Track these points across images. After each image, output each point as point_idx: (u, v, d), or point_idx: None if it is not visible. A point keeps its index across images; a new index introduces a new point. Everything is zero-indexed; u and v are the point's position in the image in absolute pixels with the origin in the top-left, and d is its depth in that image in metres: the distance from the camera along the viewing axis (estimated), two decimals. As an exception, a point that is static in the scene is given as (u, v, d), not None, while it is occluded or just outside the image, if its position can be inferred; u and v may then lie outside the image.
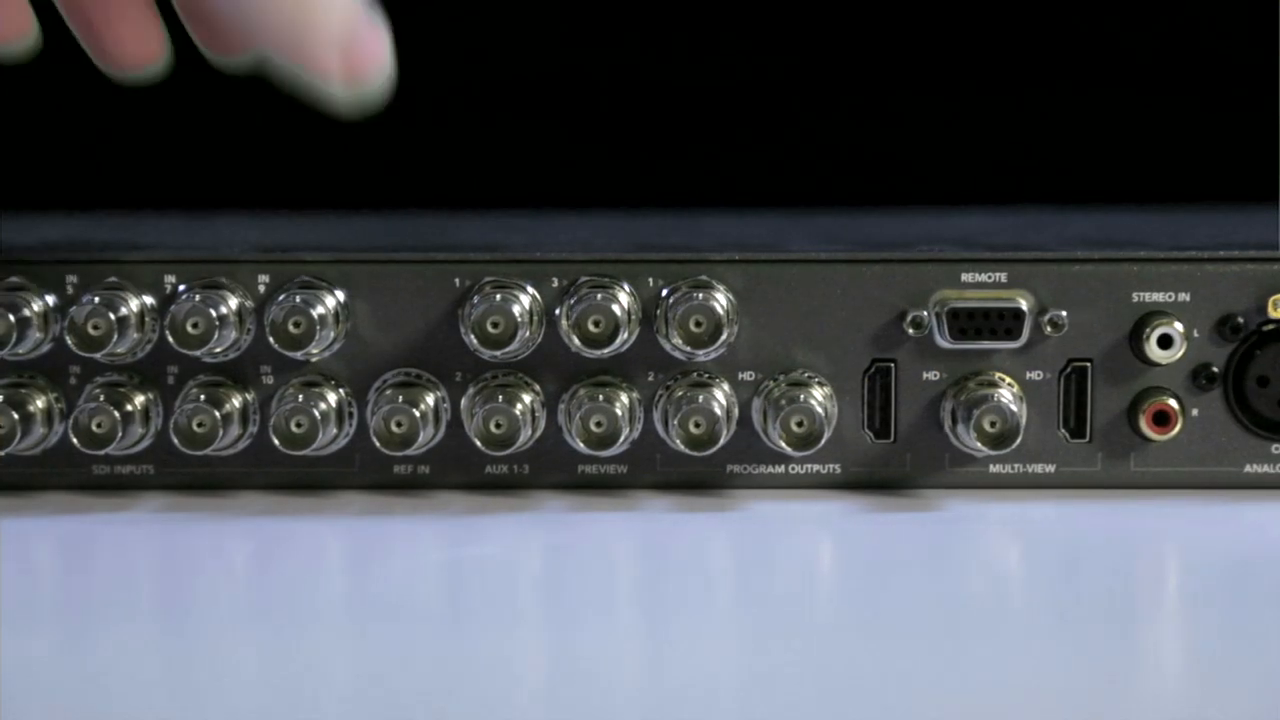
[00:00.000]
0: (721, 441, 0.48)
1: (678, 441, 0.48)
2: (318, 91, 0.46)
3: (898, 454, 0.50)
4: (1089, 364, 0.49)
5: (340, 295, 0.49)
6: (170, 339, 0.48)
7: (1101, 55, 0.85)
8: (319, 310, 0.48)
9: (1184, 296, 0.49)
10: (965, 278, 0.49)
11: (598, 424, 0.48)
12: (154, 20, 0.50)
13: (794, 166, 0.86)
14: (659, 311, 0.48)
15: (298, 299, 0.48)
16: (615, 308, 0.48)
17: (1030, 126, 0.85)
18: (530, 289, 0.48)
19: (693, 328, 0.48)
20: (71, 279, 0.49)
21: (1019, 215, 0.73)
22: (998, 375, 0.49)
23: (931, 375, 0.49)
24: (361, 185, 0.81)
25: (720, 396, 0.48)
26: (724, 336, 0.48)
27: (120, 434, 0.48)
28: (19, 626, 0.39)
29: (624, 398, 0.48)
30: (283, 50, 0.46)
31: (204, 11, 0.49)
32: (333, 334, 0.48)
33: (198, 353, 0.48)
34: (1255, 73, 0.83)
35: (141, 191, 0.78)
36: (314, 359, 0.49)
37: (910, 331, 0.49)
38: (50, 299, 0.49)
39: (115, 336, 0.47)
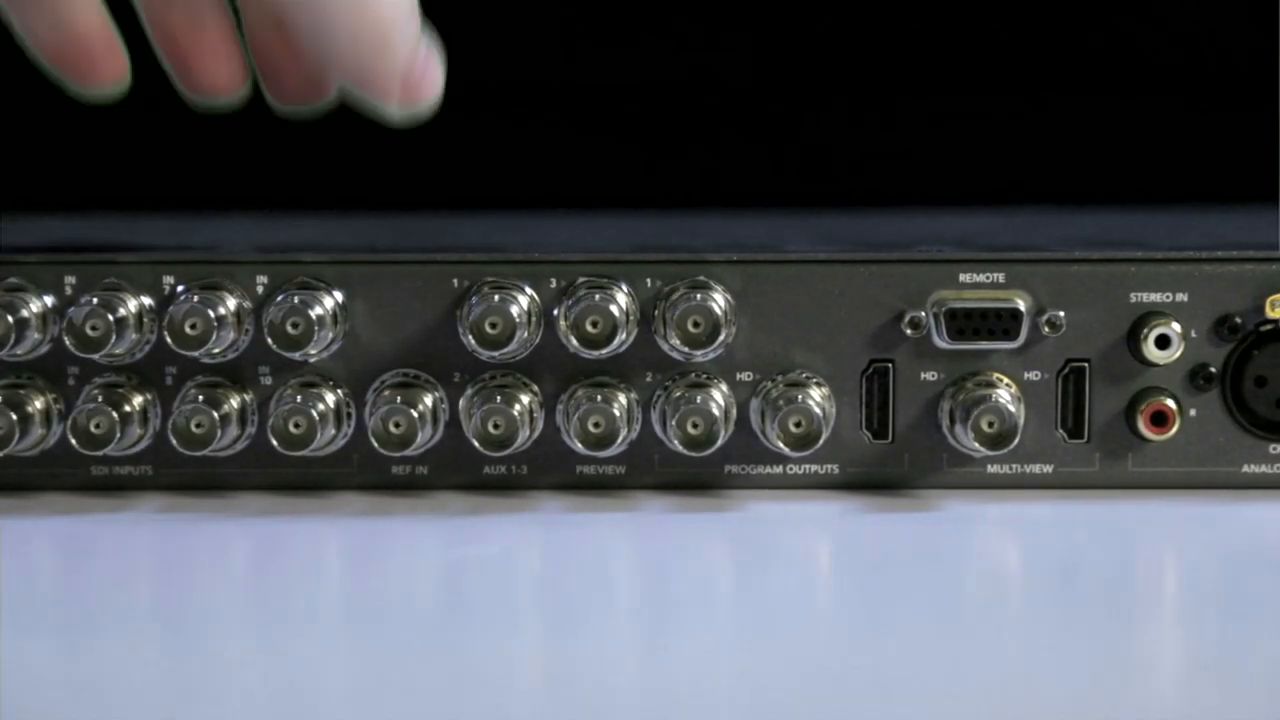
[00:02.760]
0: (720, 442, 0.48)
1: (676, 442, 0.48)
2: (375, 109, 0.49)
3: (896, 454, 0.50)
4: (1087, 364, 0.49)
5: (338, 296, 0.49)
6: (168, 340, 0.48)
7: (1101, 55, 0.85)
8: (317, 311, 0.48)
9: (1182, 297, 0.49)
10: (963, 278, 0.49)
11: (596, 424, 0.48)
12: (238, 52, 0.52)
13: (792, 167, 0.86)
14: (657, 312, 0.48)
15: (296, 300, 0.48)
16: (613, 308, 0.48)
17: (1028, 127, 0.85)
18: (528, 289, 0.48)
19: (691, 328, 0.48)
20: (70, 280, 0.49)
21: (1017, 215, 0.73)
22: (996, 376, 0.49)
23: (929, 376, 0.49)
24: (360, 186, 0.82)
25: (718, 397, 0.48)
26: (722, 337, 0.48)
27: (119, 435, 0.48)
28: (18, 627, 0.39)
29: (622, 398, 0.48)
30: (352, 83, 0.48)
31: (283, 61, 0.51)
32: (331, 335, 0.48)
33: (196, 353, 0.48)
34: (1255, 73, 0.83)
35: (140, 192, 0.78)
36: (312, 360, 0.49)
37: (908, 332, 0.49)
38: (49, 299, 0.49)
39: (113, 337, 0.47)
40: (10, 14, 0.50)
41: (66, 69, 0.50)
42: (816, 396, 0.48)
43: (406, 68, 0.48)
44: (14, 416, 0.48)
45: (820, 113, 0.86)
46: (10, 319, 0.48)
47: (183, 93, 0.53)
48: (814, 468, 0.50)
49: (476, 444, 0.48)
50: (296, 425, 0.48)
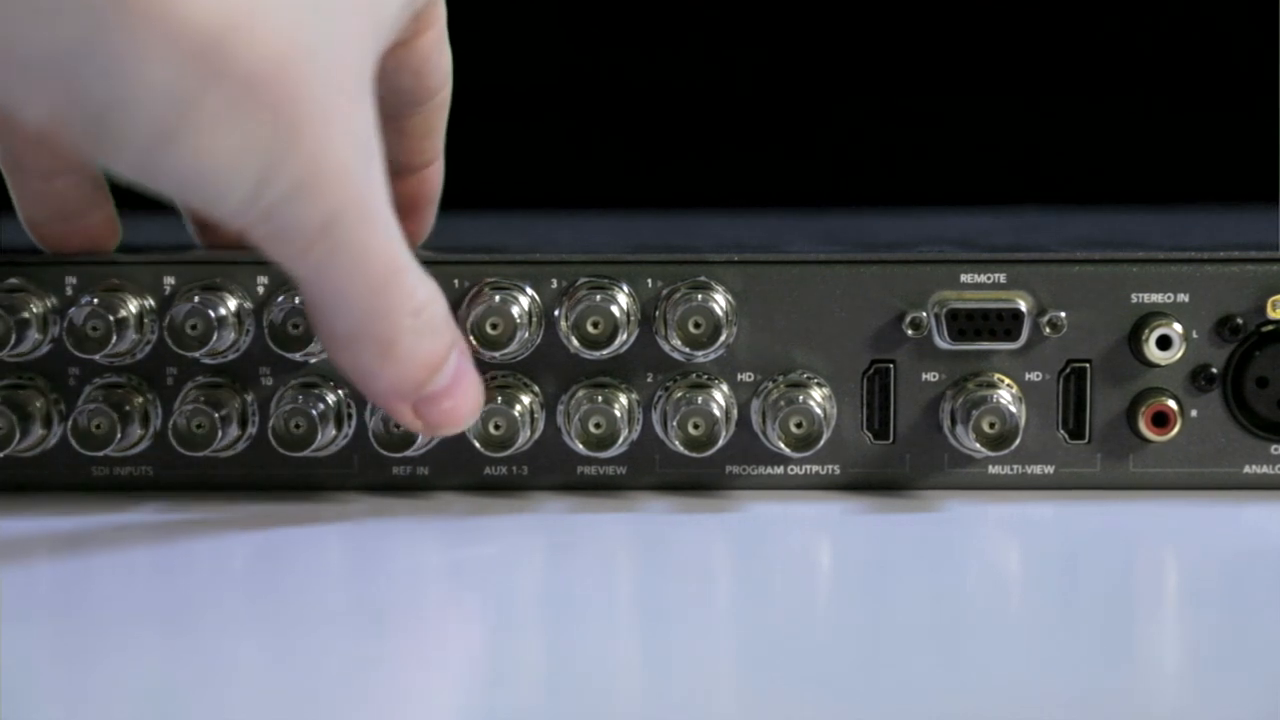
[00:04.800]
0: (720, 442, 0.48)
1: (677, 442, 0.48)
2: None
3: (897, 455, 0.50)
4: (1088, 365, 0.49)
5: (339, 296, 0.49)
6: (169, 340, 0.48)
7: (1101, 56, 0.86)
8: (318, 311, 0.48)
9: (1183, 297, 0.49)
10: (964, 279, 0.49)
11: (597, 425, 0.48)
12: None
13: (793, 167, 0.86)
14: (658, 312, 0.48)
15: (297, 300, 0.48)
16: (614, 309, 0.48)
17: (1029, 127, 0.85)
18: (529, 290, 0.48)
19: (692, 329, 0.48)
20: (71, 280, 0.49)
21: (1018, 216, 0.73)
22: (997, 376, 0.49)
23: (930, 376, 0.49)
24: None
25: (719, 397, 0.48)
26: (723, 338, 0.48)
27: (119, 435, 0.48)
28: (18, 627, 0.38)
29: (623, 399, 0.48)
30: (346, 374, 0.44)
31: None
32: (332, 335, 0.48)
33: (197, 354, 0.48)
34: (1255, 73, 0.83)
35: (139, 192, 0.78)
36: (313, 360, 0.49)
37: (909, 332, 0.49)
38: (49, 300, 0.49)
39: (114, 338, 0.47)
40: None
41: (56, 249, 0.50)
42: (817, 397, 0.48)
43: (418, 384, 0.44)
44: (15, 417, 0.48)
45: (821, 113, 0.86)
46: (11, 319, 0.48)
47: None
48: (815, 468, 0.50)
49: (477, 444, 0.48)
50: (297, 426, 0.48)
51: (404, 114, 0.49)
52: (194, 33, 0.38)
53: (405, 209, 0.48)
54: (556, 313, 0.48)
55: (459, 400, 0.45)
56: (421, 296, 0.43)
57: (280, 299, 0.48)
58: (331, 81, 0.40)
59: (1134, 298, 0.49)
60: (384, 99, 0.44)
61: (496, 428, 0.48)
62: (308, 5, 0.40)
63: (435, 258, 0.49)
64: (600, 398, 0.48)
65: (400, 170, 0.49)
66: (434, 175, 0.52)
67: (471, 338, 0.48)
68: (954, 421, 0.49)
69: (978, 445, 0.48)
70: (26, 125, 0.39)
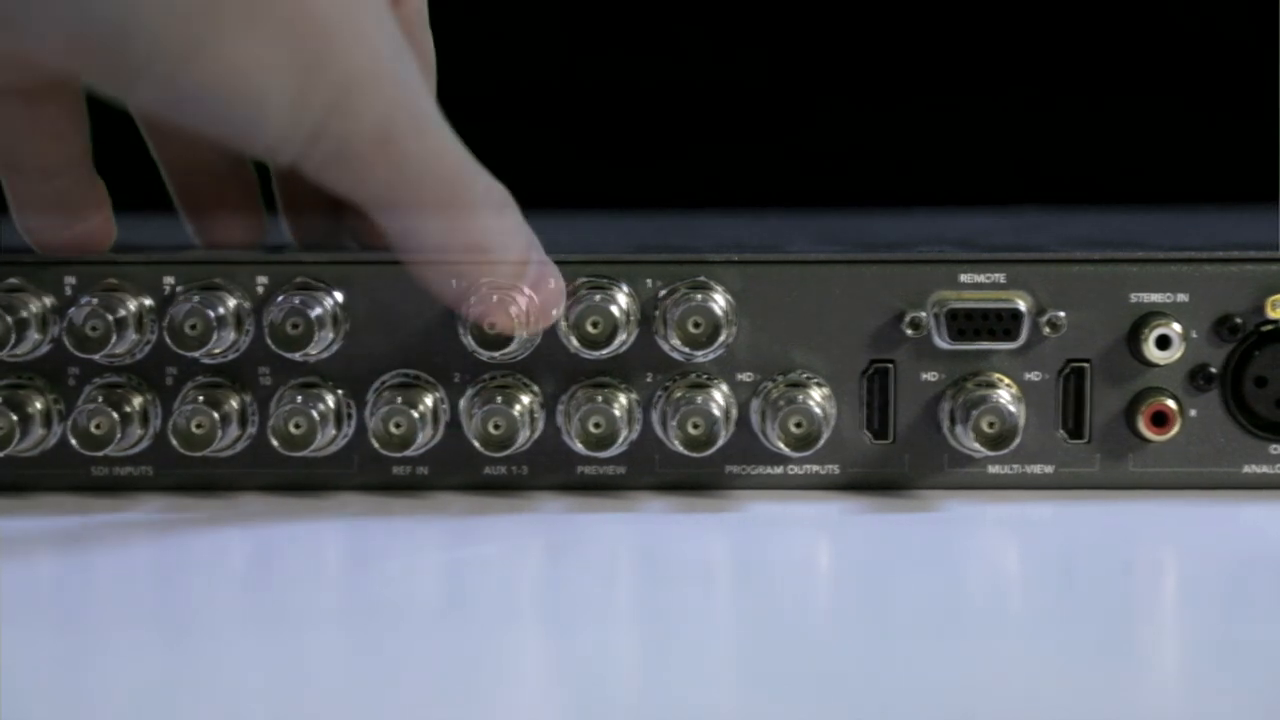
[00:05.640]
0: (720, 442, 0.48)
1: (676, 442, 0.48)
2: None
3: (896, 455, 0.50)
4: (1087, 365, 0.49)
5: (338, 296, 0.49)
6: (169, 340, 0.48)
7: (1101, 56, 0.86)
8: (317, 311, 0.48)
9: (1182, 297, 0.49)
10: (964, 278, 0.49)
11: (596, 425, 0.48)
12: (259, 212, 0.51)
13: (793, 167, 0.86)
14: (657, 312, 0.48)
15: (296, 300, 0.48)
16: (614, 309, 0.48)
17: (1029, 127, 0.85)
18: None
19: (691, 329, 0.48)
20: (70, 280, 0.49)
21: (1017, 216, 0.73)
22: (996, 376, 0.49)
23: (930, 376, 0.49)
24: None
25: (719, 397, 0.48)
26: (722, 337, 0.48)
27: (119, 435, 0.48)
28: (17, 627, 0.39)
29: (622, 399, 0.48)
30: (439, 293, 0.44)
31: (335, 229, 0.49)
32: (331, 335, 0.48)
33: (196, 354, 0.48)
34: (1255, 73, 0.83)
35: (138, 193, 0.78)
36: (312, 360, 0.49)
37: (909, 332, 0.49)
38: (49, 300, 0.49)
39: (114, 338, 0.47)
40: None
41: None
42: (817, 397, 0.48)
43: (516, 278, 0.45)
44: (14, 417, 0.48)
45: (821, 113, 0.86)
46: (10, 319, 0.48)
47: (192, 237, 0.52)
48: (814, 468, 0.50)
49: (477, 444, 0.48)
50: (297, 426, 0.48)
51: None
52: None
53: None
54: (554, 313, 0.48)
55: (552, 289, 0.45)
56: (498, 193, 0.42)
57: (280, 298, 0.48)
58: None
59: (1133, 297, 0.49)
60: None
61: (496, 427, 0.48)
62: None
63: (433, 258, 0.49)
64: (600, 398, 0.48)
65: None
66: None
67: (471, 338, 0.48)
68: (953, 421, 0.49)
69: (977, 445, 0.48)
70: (45, 66, 0.39)
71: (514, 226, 0.45)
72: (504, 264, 0.44)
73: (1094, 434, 0.49)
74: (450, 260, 0.44)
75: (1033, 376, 0.49)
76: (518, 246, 0.45)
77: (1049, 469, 0.50)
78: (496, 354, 0.48)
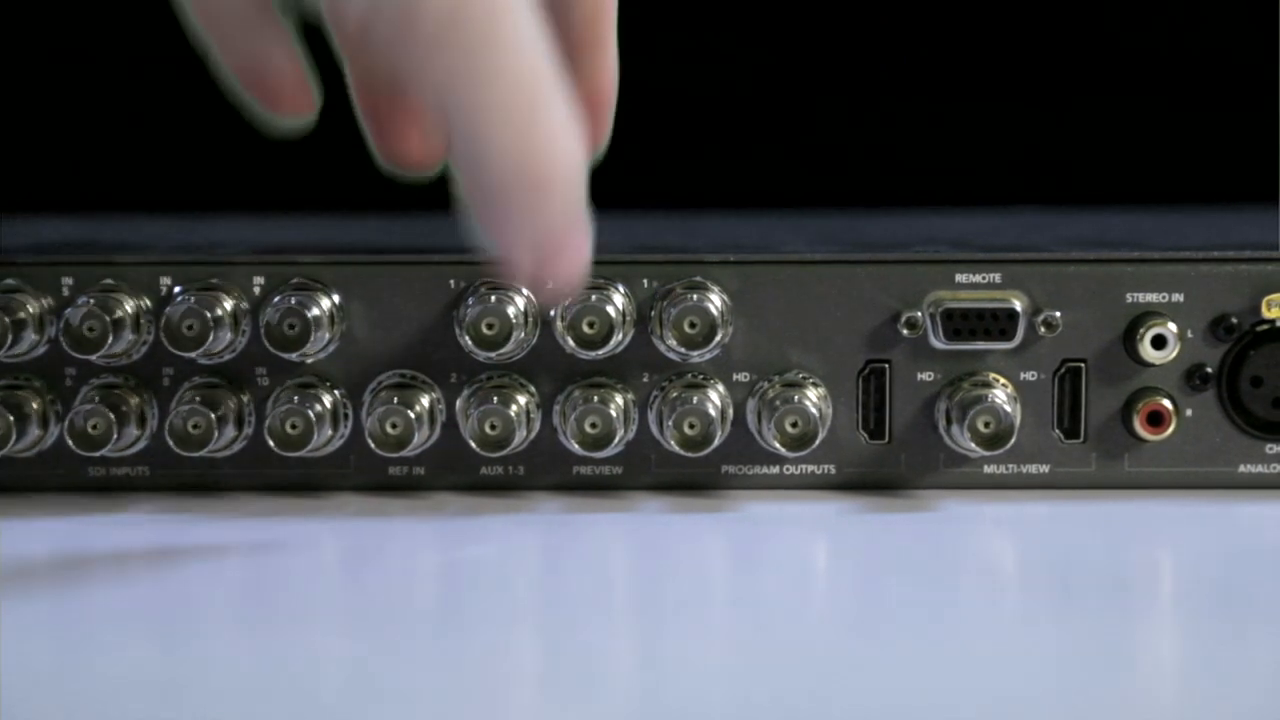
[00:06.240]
0: (716, 442, 0.48)
1: (672, 442, 0.48)
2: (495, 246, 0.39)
3: (892, 455, 0.50)
4: (1083, 364, 0.49)
5: (335, 297, 0.49)
6: (165, 341, 0.48)
7: (1099, 56, 0.86)
8: (314, 312, 0.48)
9: (1178, 297, 0.49)
10: (960, 278, 0.49)
11: (592, 425, 0.48)
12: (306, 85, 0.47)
13: (789, 168, 0.86)
14: (654, 313, 0.48)
15: (293, 300, 0.48)
16: (610, 309, 0.48)
17: (1025, 127, 0.85)
18: (525, 290, 0.48)
19: (687, 329, 0.48)
20: (67, 281, 0.49)
21: (1013, 216, 0.73)
22: (992, 376, 0.49)
23: (926, 376, 0.49)
24: (356, 186, 0.81)
25: (715, 397, 0.48)
26: (718, 337, 0.48)
27: (115, 436, 0.48)
28: (14, 627, 0.39)
29: (619, 399, 0.49)
30: (482, 218, 0.38)
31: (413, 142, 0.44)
32: (328, 335, 0.48)
33: (193, 354, 0.48)
34: (1255, 73, 0.83)
35: (137, 193, 0.78)
36: (309, 360, 0.49)
37: (905, 332, 0.49)
38: (45, 301, 0.49)
39: (110, 338, 0.48)
40: (210, 42, 0.47)
41: (258, 99, 0.46)
42: (813, 397, 0.48)
43: (550, 229, 0.39)
44: (11, 417, 0.48)
45: (817, 113, 0.86)
46: (8, 320, 0.48)
47: (379, 159, 0.46)
48: (811, 468, 0.50)
49: (473, 445, 0.48)
50: (293, 426, 0.48)
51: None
52: None
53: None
54: (552, 313, 0.48)
55: (579, 245, 0.40)
56: (571, 118, 0.37)
57: (276, 299, 0.48)
58: None
59: (1129, 297, 0.49)
60: None
61: (492, 428, 0.48)
62: None
63: (431, 258, 0.49)
64: (596, 398, 0.48)
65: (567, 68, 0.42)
66: (607, 70, 0.45)
67: (468, 338, 0.48)
68: (949, 421, 0.49)
69: (973, 445, 0.48)
70: None
71: (581, 156, 0.39)
72: (568, 205, 0.39)
73: (1090, 434, 0.50)
74: (513, 194, 0.38)
75: (1029, 376, 0.49)
76: (580, 182, 0.39)
77: (1045, 469, 0.50)
78: (494, 354, 0.48)
